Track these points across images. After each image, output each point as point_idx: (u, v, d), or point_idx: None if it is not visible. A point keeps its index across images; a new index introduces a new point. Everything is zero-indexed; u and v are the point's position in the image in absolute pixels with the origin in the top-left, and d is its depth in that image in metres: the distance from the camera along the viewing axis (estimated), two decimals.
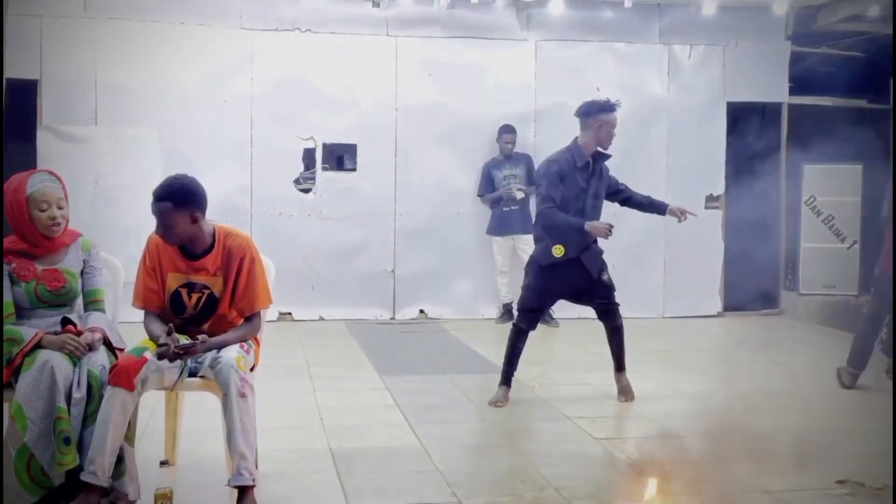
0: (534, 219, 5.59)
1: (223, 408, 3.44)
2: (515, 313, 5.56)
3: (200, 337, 3.53)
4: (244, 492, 3.39)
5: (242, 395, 3.40)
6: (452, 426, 4.93)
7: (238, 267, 3.66)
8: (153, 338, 3.59)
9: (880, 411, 5.41)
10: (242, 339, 3.66)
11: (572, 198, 5.26)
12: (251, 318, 3.73)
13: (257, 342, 3.83)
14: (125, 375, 3.34)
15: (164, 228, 3.58)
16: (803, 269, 8.94)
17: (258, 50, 8.26)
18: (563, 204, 5.21)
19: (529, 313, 5.39)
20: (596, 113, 5.24)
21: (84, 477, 3.27)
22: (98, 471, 3.27)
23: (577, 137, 5.34)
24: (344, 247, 8.46)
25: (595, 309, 5.52)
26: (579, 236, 5.18)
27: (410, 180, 8.60)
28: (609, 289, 5.45)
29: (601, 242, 5.35)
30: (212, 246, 3.68)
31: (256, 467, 3.47)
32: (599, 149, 5.29)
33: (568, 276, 5.30)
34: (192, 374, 3.67)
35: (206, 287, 3.65)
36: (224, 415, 3.44)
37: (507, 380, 5.37)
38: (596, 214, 5.34)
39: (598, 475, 4.16)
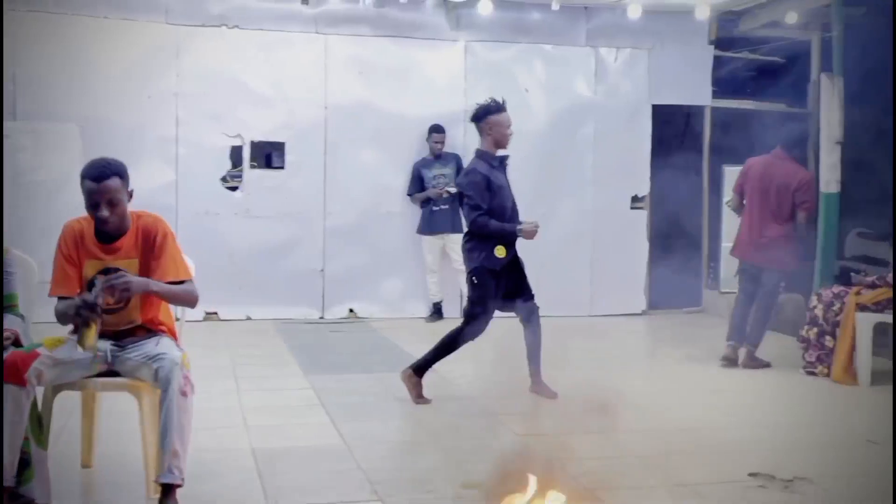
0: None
1: (160, 404, 3.39)
2: (465, 324, 5.41)
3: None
4: (169, 490, 3.35)
5: (183, 394, 3.38)
6: (377, 425, 4.94)
7: (153, 244, 3.60)
8: (65, 315, 3.47)
9: (793, 405, 5.59)
10: (180, 296, 3.62)
11: (501, 200, 5.38)
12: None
13: (177, 340, 3.78)
14: (14, 371, 3.25)
15: (111, 207, 3.51)
16: (724, 267, 9.16)
17: (184, 45, 8.14)
18: (495, 208, 5.33)
19: (481, 322, 5.38)
20: (484, 116, 5.39)
21: None
22: None
23: (478, 146, 5.54)
24: (272, 245, 8.39)
25: (520, 311, 5.54)
26: (511, 239, 5.35)
27: (340, 179, 8.57)
28: (530, 289, 5.57)
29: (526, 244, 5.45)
30: (128, 229, 3.63)
31: None
32: (500, 151, 5.45)
33: (503, 278, 5.39)
34: (113, 373, 3.60)
35: (120, 270, 3.58)
36: (161, 411, 3.39)
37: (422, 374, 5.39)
38: (517, 213, 5.50)
39: (520, 472, 4.20)
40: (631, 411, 5.28)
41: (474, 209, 5.30)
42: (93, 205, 3.52)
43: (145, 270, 3.60)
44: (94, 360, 3.55)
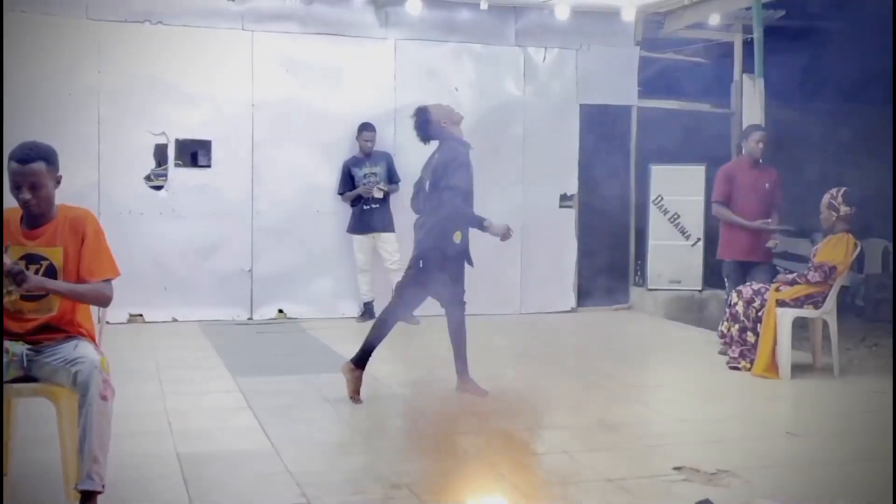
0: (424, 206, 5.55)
1: (79, 409, 3.30)
2: (398, 301, 5.47)
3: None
4: (90, 497, 3.26)
5: (103, 398, 3.30)
6: (306, 426, 4.88)
7: (82, 237, 3.53)
8: None
9: (717, 399, 5.71)
10: (87, 295, 3.51)
11: (471, 187, 5.46)
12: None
13: (96, 344, 3.68)
14: None
15: (33, 190, 3.43)
16: (651, 265, 9.33)
17: (106, 42, 7.93)
18: (468, 195, 5.40)
19: (415, 300, 5.48)
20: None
21: None
22: None
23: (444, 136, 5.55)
24: (198, 245, 8.24)
25: (448, 304, 5.53)
26: (472, 228, 5.43)
27: (268, 178, 8.46)
28: (464, 285, 5.57)
29: None
30: (55, 218, 3.55)
31: None
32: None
33: (449, 265, 5.39)
34: (30, 378, 3.49)
35: (44, 258, 3.48)
36: (79, 416, 3.30)
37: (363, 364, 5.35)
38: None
39: (450, 471, 4.21)
40: (558, 408, 5.34)
41: (454, 191, 5.27)
42: (16, 187, 3.45)
43: (72, 261, 3.52)
44: (8, 365, 3.44)
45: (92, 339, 3.66)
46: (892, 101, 7.42)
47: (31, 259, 3.49)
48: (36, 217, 3.52)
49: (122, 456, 4.06)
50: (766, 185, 6.99)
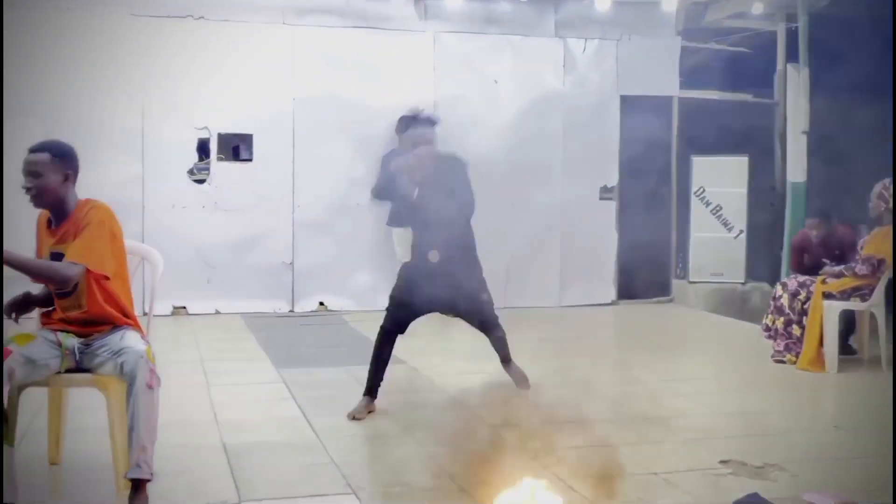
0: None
1: (127, 399, 3.34)
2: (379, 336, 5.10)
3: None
4: (139, 486, 3.31)
5: (149, 387, 3.33)
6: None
7: (80, 228, 3.51)
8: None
9: (761, 393, 5.64)
10: (40, 271, 3.44)
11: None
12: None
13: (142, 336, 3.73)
14: None
15: (31, 178, 3.46)
16: (693, 257, 9.25)
17: (150, 37, 8.03)
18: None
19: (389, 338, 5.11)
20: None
21: None
22: None
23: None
24: (240, 238, 8.32)
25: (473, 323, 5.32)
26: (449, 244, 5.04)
27: (308, 171, 8.51)
28: (487, 304, 5.29)
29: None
30: (72, 216, 3.58)
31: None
32: None
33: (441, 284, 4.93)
34: (81, 369, 3.55)
35: (63, 255, 3.53)
36: (127, 406, 3.34)
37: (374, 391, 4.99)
38: None
39: (492, 462, 4.20)
40: (601, 401, 5.30)
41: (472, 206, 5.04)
42: (23, 174, 3.50)
43: None
44: (62, 358, 3.50)
45: (138, 329, 3.71)
46: (893, 100, 7.27)
47: (53, 258, 3.54)
48: (57, 215, 3.58)
49: (168, 446, 4.11)
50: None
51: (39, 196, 3.51)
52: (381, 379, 4.98)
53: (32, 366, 3.38)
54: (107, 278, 3.52)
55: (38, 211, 3.68)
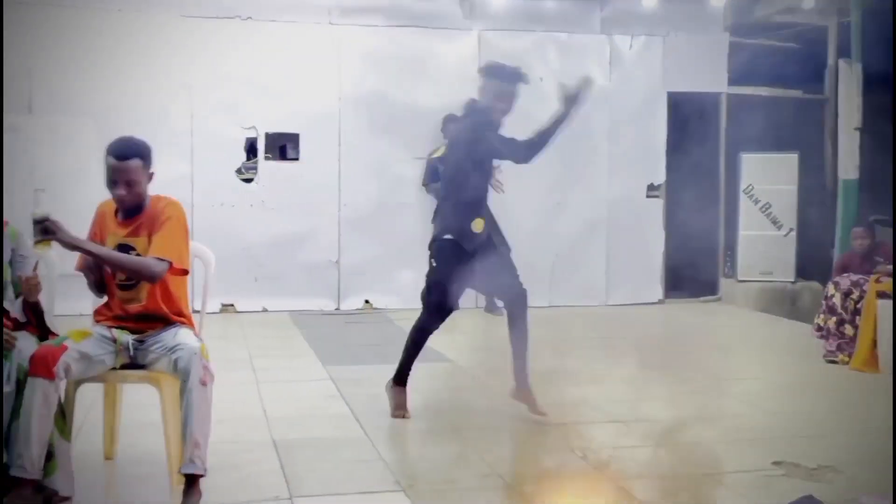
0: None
1: (181, 395, 3.37)
2: (421, 315, 4.85)
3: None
4: (192, 481, 3.35)
5: (203, 384, 3.36)
6: None
7: (161, 223, 3.59)
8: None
9: (813, 394, 5.55)
10: (129, 265, 3.51)
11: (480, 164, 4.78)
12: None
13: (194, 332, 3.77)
14: (43, 364, 3.26)
15: (128, 186, 3.53)
16: (741, 256, 9.13)
17: (198, 38, 8.13)
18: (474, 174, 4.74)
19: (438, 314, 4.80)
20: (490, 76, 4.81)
21: (13, 471, 3.19)
22: (26, 464, 3.19)
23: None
24: (287, 237, 8.39)
25: (502, 298, 5.00)
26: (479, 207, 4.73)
27: (354, 170, 8.56)
28: (513, 266, 4.87)
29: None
30: (145, 209, 3.64)
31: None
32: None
33: (474, 261, 4.65)
34: (136, 365, 3.60)
35: (132, 248, 3.58)
36: (181, 402, 3.37)
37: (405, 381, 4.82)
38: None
39: (541, 461, 4.20)
40: (650, 401, 5.26)
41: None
42: (112, 182, 3.56)
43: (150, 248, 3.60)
44: (117, 354, 3.55)
45: (192, 326, 3.76)
46: (893, 99, 7.11)
47: (122, 249, 3.58)
48: (130, 209, 3.63)
49: (220, 442, 4.15)
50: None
51: (133, 201, 3.57)
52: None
53: (88, 362, 3.43)
54: (186, 272, 3.61)
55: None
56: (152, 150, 3.68)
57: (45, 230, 3.27)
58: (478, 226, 4.59)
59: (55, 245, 3.38)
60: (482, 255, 4.64)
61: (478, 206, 4.67)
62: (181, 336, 3.54)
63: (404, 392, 4.81)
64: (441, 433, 4.67)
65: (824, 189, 9.27)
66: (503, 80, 4.70)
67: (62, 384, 3.34)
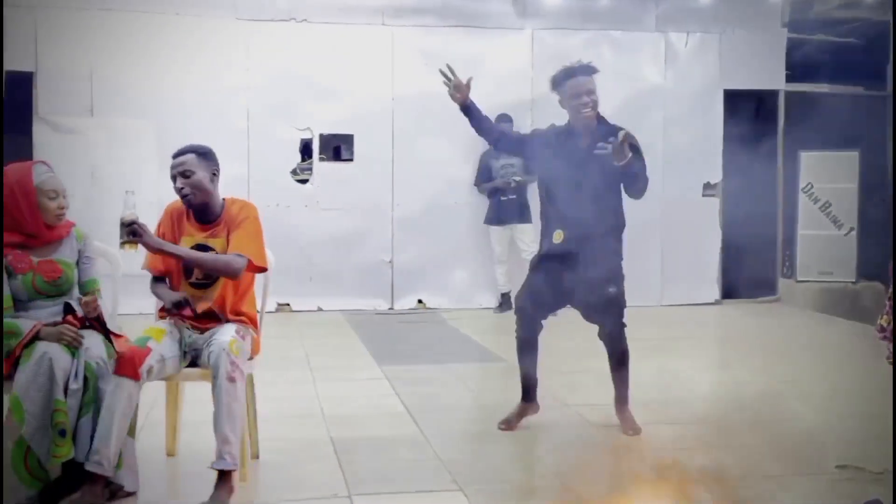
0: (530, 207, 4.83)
1: (212, 391, 3.41)
2: (517, 325, 4.60)
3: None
4: (224, 476, 3.37)
5: (231, 380, 3.37)
6: (451, 414, 4.93)
7: (238, 223, 3.68)
8: (159, 297, 3.72)
9: (879, 396, 5.42)
10: (210, 263, 3.60)
11: (552, 175, 4.49)
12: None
13: (256, 329, 3.82)
14: (131, 365, 3.34)
15: (183, 178, 3.62)
16: (800, 256, 8.97)
17: (254, 40, 8.24)
18: (542, 182, 4.58)
19: (531, 320, 4.57)
20: (556, 85, 4.51)
21: (89, 466, 3.27)
22: (103, 460, 3.26)
23: None
24: (341, 237, 8.46)
25: (599, 325, 4.67)
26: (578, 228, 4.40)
27: (407, 170, 8.59)
28: (619, 303, 4.63)
29: None
30: (223, 213, 3.73)
31: (244, 453, 3.48)
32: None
33: (567, 274, 4.43)
34: (193, 363, 3.66)
35: (211, 248, 3.66)
36: (213, 398, 3.41)
37: (526, 394, 4.62)
38: (585, 199, 4.39)
39: (597, 462, 4.17)
40: (709, 403, 5.19)
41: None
42: (172, 179, 3.67)
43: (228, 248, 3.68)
44: (185, 354, 3.62)
45: (253, 325, 3.80)
46: (893, 99, 6.89)
47: (200, 249, 3.66)
48: (204, 211, 3.71)
49: (278, 439, 4.22)
50: None
51: (193, 194, 3.65)
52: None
53: (164, 363, 3.50)
54: (264, 269, 3.70)
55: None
56: (212, 150, 3.78)
57: (133, 233, 3.36)
58: (557, 237, 4.44)
59: (115, 243, 3.47)
60: (571, 269, 4.40)
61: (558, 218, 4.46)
62: (219, 332, 3.57)
63: (523, 407, 4.60)
64: (497, 433, 4.65)
65: (886, 187, 9.05)
66: (568, 77, 4.45)
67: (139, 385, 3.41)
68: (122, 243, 3.38)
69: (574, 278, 4.42)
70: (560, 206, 4.44)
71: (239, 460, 3.40)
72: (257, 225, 3.73)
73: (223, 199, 3.78)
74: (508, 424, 4.56)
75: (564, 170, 4.41)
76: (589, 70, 4.45)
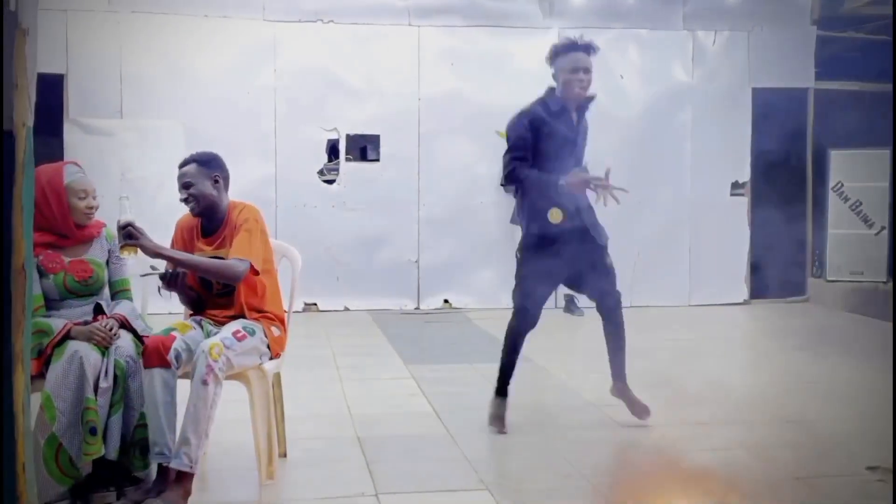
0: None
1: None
2: (514, 313, 4.56)
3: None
4: (181, 477, 3.35)
5: (204, 383, 3.36)
6: (479, 415, 4.90)
7: (238, 228, 3.68)
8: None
9: None
10: (211, 268, 3.59)
11: (555, 150, 4.35)
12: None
13: (284, 329, 3.84)
14: (157, 354, 3.37)
15: (187, 190, 3.66)
16: (830, 255, 8.88)
17: (281, 41, 8.29)
18: (547, 160, 4.33)
19: (529, 308, 4.50)
20: (552, 58, 4.48)
21: (153, 459, 3.35)
22: (164, 450, 3.33)
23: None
24: (368, 237, 8.49)
25: (593, 296, 4.65)
26: (556, 194, 4.29)
27: (433, 170, 8.60)
28: (611, 273, 4.60)
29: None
30: (226, 220, 3.74)
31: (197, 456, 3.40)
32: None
33: (561, 252, 4.37)
34: None
35: (221, 259, 3.66)
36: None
37: (503, 389, 4.60)
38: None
39: (624, 463, 4.15)
40: (737, 402, 5.15)
41: (512, 156, 4.32)
42: (178, 190, 3.71)
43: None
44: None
45: (280, 322, 3.82)
46: (893, 98, 6.75)
47: None
48: (211, 219, 3.74)
49: (306, 438, 4.25)
50: None
51: (196, 204, 3.69)
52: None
53: (191, 354, 3.51)
54: (256, 273, 3.66)
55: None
56: (216, 157, 3.78)
57: (129, 235, 3.39)
58: (554, 216, 4.33)
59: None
60: (568, 248, 4.36)
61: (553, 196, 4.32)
62: (217, 332, 3.57)
63: (503, 403, 4.56)
64: (524, 434, 4.65)
65: None
66: (570, 51, 4.41)
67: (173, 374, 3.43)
68: (121, 247, 3.42)
69: (575, 255, 4.41)
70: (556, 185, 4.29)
71: (197, 463, 3.37)
72: (258, 226, 3.70)
73: (228, 204, 3.78)
74: (502, 425, 4.51)
75: (561, 147, 4.38)
76: (591, 49, 4.41)
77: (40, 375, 3.32)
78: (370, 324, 7.84)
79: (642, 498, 3.66)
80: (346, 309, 8.47)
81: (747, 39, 8.89)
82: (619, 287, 4.63)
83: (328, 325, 7.72)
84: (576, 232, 4.41)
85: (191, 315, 3.82)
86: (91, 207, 3.59)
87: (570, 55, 4.39)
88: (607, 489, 3.70)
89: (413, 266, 8.64)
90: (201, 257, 3.65)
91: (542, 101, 4.50)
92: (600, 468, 3.98)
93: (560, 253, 4.37)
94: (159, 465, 3.38)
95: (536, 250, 4.42)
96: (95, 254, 3.64)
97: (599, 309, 4.64)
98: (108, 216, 3.92)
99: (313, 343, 6.76)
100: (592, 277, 4.53)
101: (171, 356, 3.38)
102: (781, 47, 8.88)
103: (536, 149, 4.35)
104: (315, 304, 8.39)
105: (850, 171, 8.85)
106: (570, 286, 4.84)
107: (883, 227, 8.71)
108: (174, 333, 3.46)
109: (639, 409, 4.61)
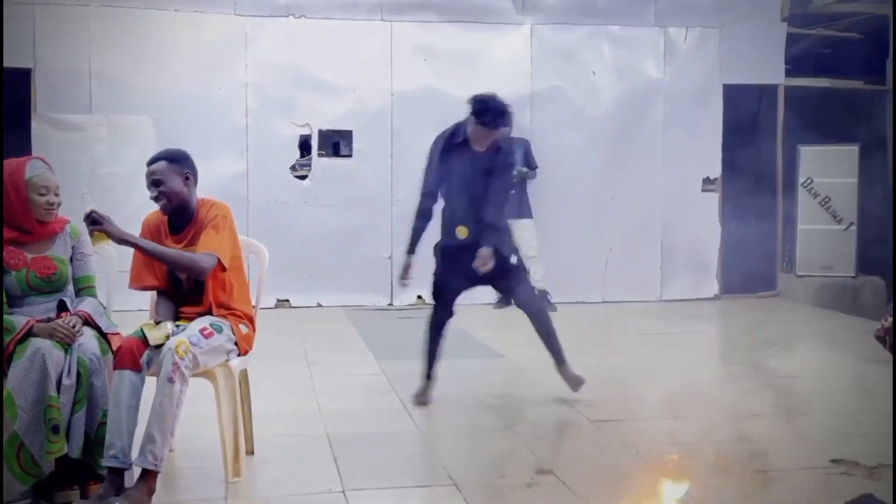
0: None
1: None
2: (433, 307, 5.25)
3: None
4: (146, 475, 3.33)
5: (170, 380, 3.33)
6: (449, 410, 4.93)
7: (206, 224, 3.65)
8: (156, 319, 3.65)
9: (874, 392, 5.42)
10: (178, 260, 3.56)
11: (451, 184, 5.04)
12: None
13: (252, 327, 3.82)
14: (130, 357, 3.34)
15: (157, 188, 3.62)
16: (800, 250, 8.96)
17: (252, 36, 8.24)
18: (445, 193, 5.10)
19: (441, 304, 5.24)
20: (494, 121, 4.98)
21: (106, 462, 3.28)
22: (119, 454, 3.27)
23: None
24: (341, 233, 8.46)
25: (511, 296, 5.26)
26: (466, 218, 5.01)
27: (407, 166, 8.56)
28: (520, 271, 5.11)
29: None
30: (195, 217, 3.72)
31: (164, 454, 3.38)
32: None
33: (469, 260, 4.87)
34: None
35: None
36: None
37: (430, 374, 5.09)
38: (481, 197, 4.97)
39: (595, 458, 4.17)
40: (705, 397, 5.19)
41: (421, 191, 5.21)
42: (148, 188, 3.66)
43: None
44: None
45: (249, 320, 3.80)
46: (893, 98, 6.87)
47: None
48: (177, 218, 3.71)
49: (274, 435, 4.23)
50: None
51: (167, 201, 3.65)
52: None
53: (158, 353, 3.48)
54: (224, 269, 3.64)
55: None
56: (185, 154, 3.74)
57: (93, 221, 3.36)
58: (461, 232, 4.98)
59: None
60: (472, 256, 4.86)
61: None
62: (184, 330, 3.54)
63: (430, 385, 5.07)
64: (493, 428, 4.67)
65: (886, 182, 9.04)
66: (508, 125, 5.15)
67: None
68: (91, 236, 3.40)
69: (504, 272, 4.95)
70: (463, 205, 4.99)
71: (162, 461, 3.34)
72: (227, 223, 3.68)
73: (197, 201, 3.75)
74: (425, 400, 4.95)
75: (464, 174, 5.00)
76: (509, 123, 5.16)
77: (2, 373, 3.28)
78: (343, 320, 7.82)
79: (612, 493, 3.67)
80: (319, 305, 8.44)
81: (718, 36, 8.94)
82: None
83: (301, 321, 7.69)
84: (478, 245, 4.86)
85: (156, 315, 3.78)
86: (52, 203, 3.53)
87: (501, 129, 5.04)
88: (577, 484, 3.71)
89: (386, 262, 8.62)
90: (168, 248, 3.62)
91: (457, 128, 5.13)
92: (570, 464, 3.99)
93: (465, 260, 4.88)
94: (141, 470, 3.32)
95: (444, 256, 5.11)
96: (59, 250, 3.60)
97: (517, 304, 5.14)
98: (76, 212, 3.89)
99: (285, 340, 6.73)
100: (502, 278, 5.02)
101: (143, 360, 3.36)
102: (752, 44, 8.94)
103: (442, 174, 5.07)
104: (287, 301, 8.36)
105: (819, 167, 8.93)
106: (495, 288, 5.47)
107: (852, 223, 8.81)
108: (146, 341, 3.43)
109: (574, 383, 5.03)
